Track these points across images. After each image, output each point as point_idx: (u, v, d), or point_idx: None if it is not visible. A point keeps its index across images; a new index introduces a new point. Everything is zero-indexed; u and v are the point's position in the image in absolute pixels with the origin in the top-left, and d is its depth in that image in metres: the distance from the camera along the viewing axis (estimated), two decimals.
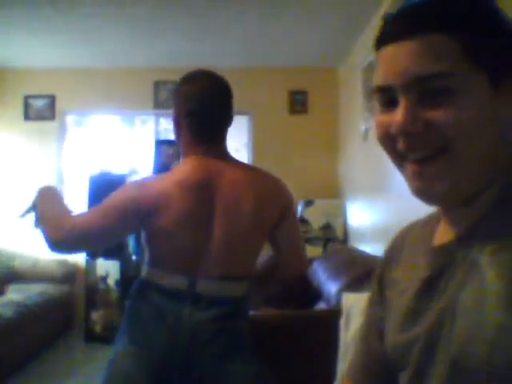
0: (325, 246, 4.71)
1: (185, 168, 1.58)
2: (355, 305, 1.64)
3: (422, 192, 0.71)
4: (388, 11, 0.69)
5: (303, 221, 4.76)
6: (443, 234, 0.75)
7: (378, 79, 0.70)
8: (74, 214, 1.54)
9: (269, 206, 1.59)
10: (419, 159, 0.68)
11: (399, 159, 0.71)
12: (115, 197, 1.53)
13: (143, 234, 1.59)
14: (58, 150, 5.34)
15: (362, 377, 0.88)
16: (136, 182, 1.63)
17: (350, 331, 1.60)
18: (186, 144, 1.62)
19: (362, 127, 4.03)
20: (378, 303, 0.87)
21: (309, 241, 4.75)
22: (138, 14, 3.81)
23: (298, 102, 5.25)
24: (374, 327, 0.87)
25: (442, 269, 0.70)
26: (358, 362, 0.90)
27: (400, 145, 0.68)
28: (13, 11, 3.73)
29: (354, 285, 2.82)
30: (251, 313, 1.78)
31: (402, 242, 0.88)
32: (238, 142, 5.42)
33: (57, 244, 1.50)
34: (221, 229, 1.52)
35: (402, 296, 0.78)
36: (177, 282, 1.51)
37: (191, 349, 1.48)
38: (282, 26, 4.07)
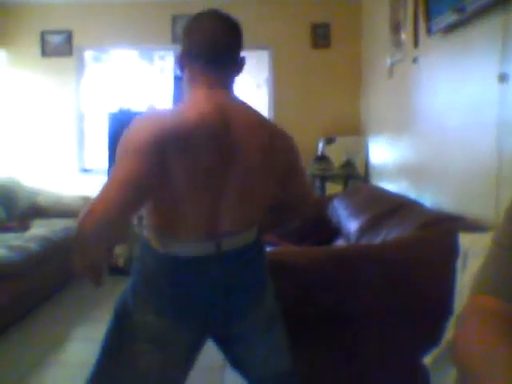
0: (345, 184, 4.69)
1: (199, 103, 1.43)
2: (473, 245, 1.60)
3: None
4: None
5: (324, 158, 4.72)
6: None
7: None
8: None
9: (279, 155, 1.51)
10: None
11: None
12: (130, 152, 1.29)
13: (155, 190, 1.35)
14: (77, 87, 5.31)
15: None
16: (149, 118, 1.38)
17: (467, 272, 1.57)
18: (194, 84, 1.50)
19: (388, 62, 3.91)
20: None
21: (329, 178, 4.73)
22: None
23: (320, 36, 5.08)
24: None
25: None
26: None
27: None
28: None
29: (375, 223, 2.83)
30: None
31: None
32: (258, 78, 5.32)
33: (88, 237, 1.28)
34: (237, 177, 1.42)
35: None
36: (203, 249, 1.44)
37: (225, 309, 1.49)
38: None
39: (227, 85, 1.52)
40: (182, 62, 1.52)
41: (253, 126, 1.46)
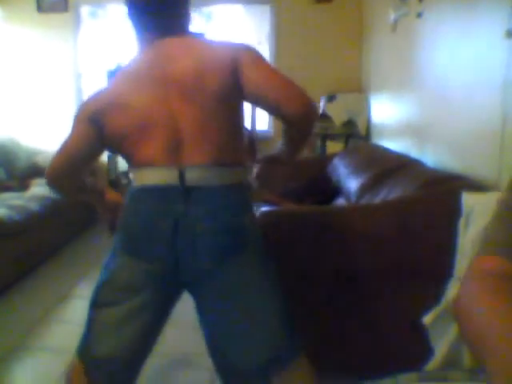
0: (346, 143, 4.65)
1: (135, 59, 1.57)
2: (476, 205, 1.58)
3: None
4: None
5: (325, 117, 4.66)
6: None
7: None
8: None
9: (228, 62, 1.47)
10: None
11: None
12: (74, 122, 1.55)
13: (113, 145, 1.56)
14: (74, 44, 5.20)
15: None
16: (89, 97, 1.58)
17: (469, 233, 1.55)
18: (141, 37, 1.60)
19: (391, 17, 3.81)
20: None
21: (330, 137, 4.69)
22: None
23: None
24: None
25: None
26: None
27: None
28: None
29: (376, 182, 2.81)
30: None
31: None
32: (260, 34, 5.21)
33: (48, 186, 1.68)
34: (187, 108, 1.44)
35: None
36: (165, 174, 1.42)
37: (191, 252, 1.40)
38: None
39: (176, 30, 1.57)
40: (129, 16, 1.59)
41: (206, 57, 1.49)
